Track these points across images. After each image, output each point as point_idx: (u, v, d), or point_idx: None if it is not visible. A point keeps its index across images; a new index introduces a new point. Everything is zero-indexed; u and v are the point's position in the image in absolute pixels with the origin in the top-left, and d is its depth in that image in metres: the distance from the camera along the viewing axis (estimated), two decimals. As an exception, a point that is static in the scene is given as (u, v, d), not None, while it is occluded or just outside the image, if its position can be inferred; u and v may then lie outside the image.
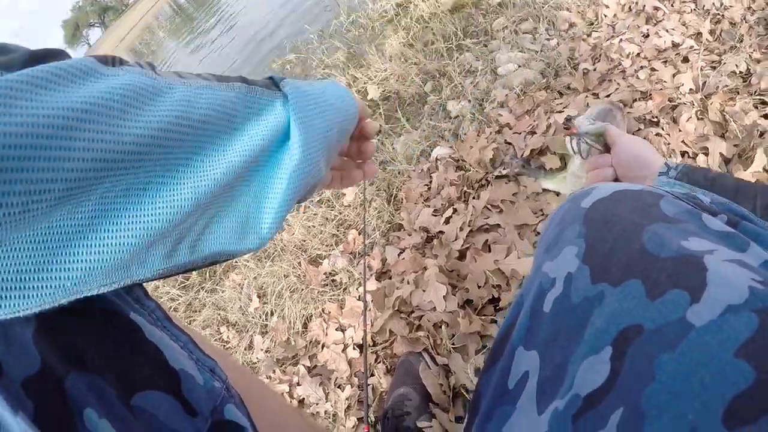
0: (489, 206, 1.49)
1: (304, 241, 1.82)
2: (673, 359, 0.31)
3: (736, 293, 0.31)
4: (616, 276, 0.38)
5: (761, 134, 1.39)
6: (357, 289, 1.56)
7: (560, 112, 1.62)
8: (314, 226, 1.83)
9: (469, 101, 1.90)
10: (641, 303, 0.35)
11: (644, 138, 1.44)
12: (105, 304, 0.44)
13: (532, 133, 1.62)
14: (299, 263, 1.76)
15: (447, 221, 1.53)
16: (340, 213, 1.82)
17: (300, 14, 5.33)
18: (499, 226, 1.43)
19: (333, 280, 1.66)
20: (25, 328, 0.38)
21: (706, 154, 1.38)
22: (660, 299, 0.34)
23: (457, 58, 2.17)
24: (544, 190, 1.45)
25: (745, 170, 1.30)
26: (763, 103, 1.50)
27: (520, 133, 1.65)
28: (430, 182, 1.69)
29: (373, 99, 2.27)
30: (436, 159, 1.74)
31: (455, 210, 1.54)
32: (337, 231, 1.79)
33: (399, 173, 1.80)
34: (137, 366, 0.45)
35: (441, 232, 1.50)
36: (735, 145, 1.37)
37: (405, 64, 2.32)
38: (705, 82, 1.58)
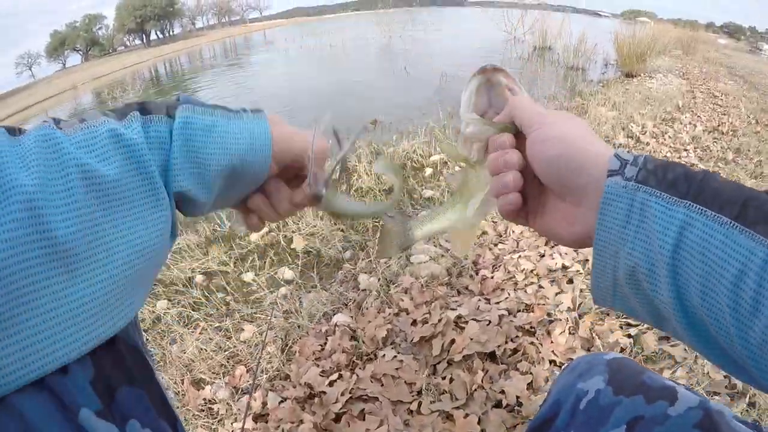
0: (372, 379, 1.78)
1: (193, 361, 1.97)
2: (662, 430, 0.67)
3: (692, 400, 0.68)
4: (629, 392, 0.74)
5: (621, 350, 1.81)
6: (231, 423, 1.72)
7: (453, 309, 2.01)
8: (206, 350, 2.00)
9: (379, 279, 2.28)
10: (642, 405, 0.71)
11: (518, 347, 1.84)
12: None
13: (425, 322, 1.98)
14: (182, 380, 1.90)
15: (331, 384, 1.77)
16: (235, 346, 2.02)
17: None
18: (377, 399, 1.70)
19: (210, 408, 1.80)
20: None
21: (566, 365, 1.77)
22: (653, 404, 0.70)
23: (379, 236, 2.60)
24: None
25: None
26: (628, 324, 1.96)
27: (414, 322, 2.01)
28: (325, 344, 1.97)
29: (295, 249, 2.64)
30: (336, 324, 2.05)
31: (341, 375, 1.81)
32: (227, 362, 1.97)
33: (299, 327, 2.07)
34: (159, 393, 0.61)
35: (323, 392, 1.74)
36: (597, 361, 1.77)
37: (333, 228, 2.75)
38: (581, 303, 2.04)
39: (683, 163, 0.57)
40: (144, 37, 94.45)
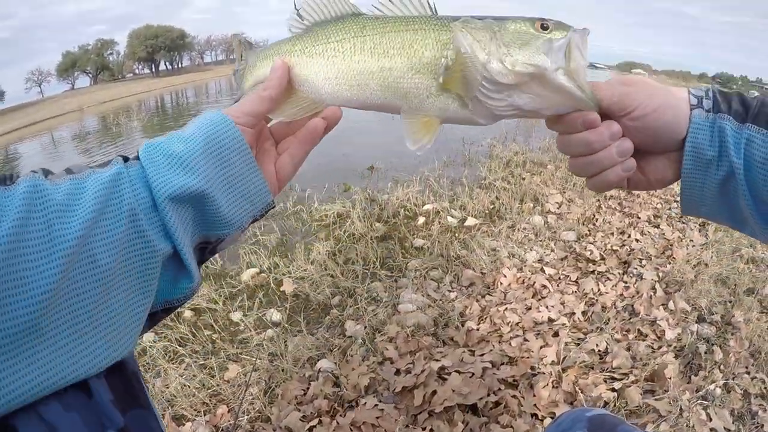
0: (352, 427, 1.76)
1: (176, 396, 1.95)
2: None
3: None
4: None
5: (605, 404, 1.81)
6: (208, 463, 1.71)
7: (437, 360, 1.99)
8: (190, 387, 1.98)
9: (365, 327, 2.28)
10: None
11: (500, 399, 1.83)
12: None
13: (408, 372, 1.96)
14: (163, 415, 1.88)
15: (311, 429, 1.76)
16: (218, 385, 2.00)
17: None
18: (357, 447, 1.69)
19: (190, 446, 1.79)
20: None
21: (553, 418, 1.74)
22: None
23: (368, 284, 2.64)
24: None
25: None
26: (613, 378, 1.96)
27: (397, 372, 2.00)
28: (308, 389, 1.95)
29: (285, 292, 2.63)
30: (319, 370, 2.03)
31: (320, 422, 1.79)
32: (210, 400, 1.95)
33: (283, 370, 2.06)
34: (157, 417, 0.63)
35: (303, 438, 1.74)
36: (581, 414, 1.76)
37: (323, 273, 2.76)
38: (566, 356, 2.03)
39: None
40: (153, 66, 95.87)
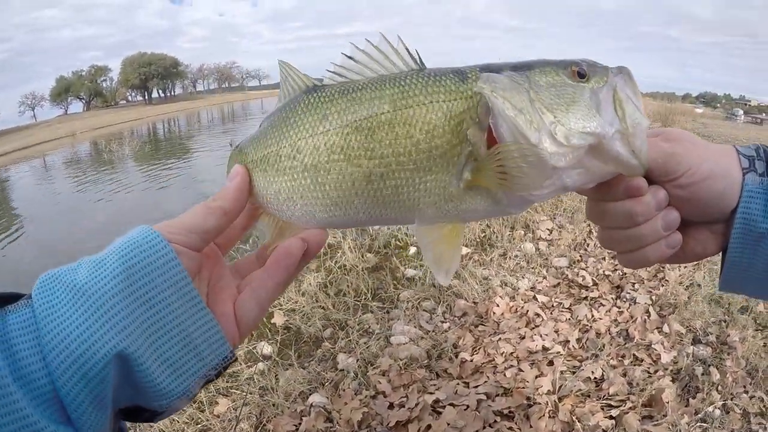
0: (346, 463, 1.72)
1: (164, 431, 1.91)
2: None
3: None
4: None
5: (603, 432, 1.78)
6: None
7: (431, 393, 1.96)
8: (178, 422, 1.94)
9: (357, 360, 2.24)
10: None
11: (497, 431, 1.80)
12: None
13: (401, 406, 1.93)
14: None
15: (304, 467, 1.73)
16: (207, 420, 1.95)
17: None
18: (350, 485, 1.65)
19: (177, 484, 1.75)
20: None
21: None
22: None
23: (360, 316, 2.61)
24: None
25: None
26: (610, 406, 1.93)
27: (391, 405, 1.96)
28: (299, 424, 1.91)
29: (276, 324, 2.60)
30: (311, 405, 1.99)
31: (314, 458, 1.76)
32: (199, 437, 1.91)
33: (274, 405, 2.01)
34: None
35: (295, 477, 1.70)
36: (578, 443, 1.74)
37: (314, 305, 2.73)
38: (562, 385, 2.01)
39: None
40: (146, 94, 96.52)
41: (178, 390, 0.46)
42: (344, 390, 2.06)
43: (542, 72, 0.50)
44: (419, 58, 0.52)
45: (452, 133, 0.48)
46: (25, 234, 8.62)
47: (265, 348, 2.43)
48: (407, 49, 0.52)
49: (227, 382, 2.20)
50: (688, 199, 0.53)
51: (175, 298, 0.45)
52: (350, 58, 0.53)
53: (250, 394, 2.09)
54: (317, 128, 0.51)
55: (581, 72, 0.49)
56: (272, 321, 2.64)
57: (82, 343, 0.40)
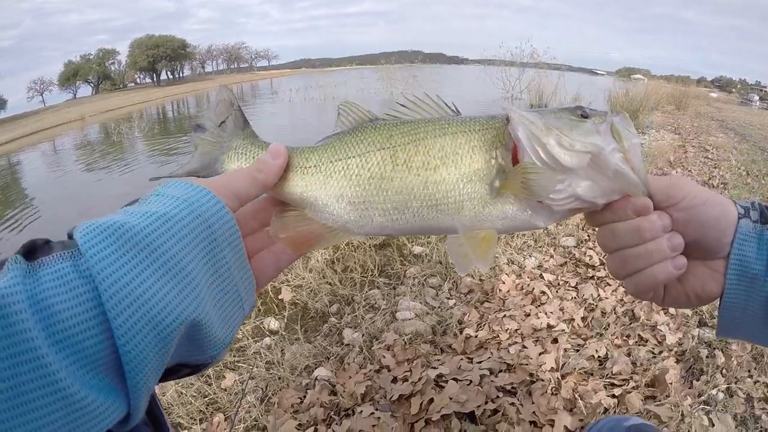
0: (349, 435, 1.75)
1: (172, 405, 1.94)
2: None
3: None
4: None
5: (605, 411, 1.79)
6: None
7: (434, 368, 1.98)
8: (186, 395, 1.98)
9: (363, 335, 2.27)
10: None
11: (498, 407, 1.82)
12: None
13: (405, 380, 1.96)
14: None
15: (307, 438, 1.76)
16: (215, 393, 1.99)
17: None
18: (353, 456, 1.68)
19: (187, 453, 1.78)
20: None
21: (552, 425, 1.74)
22: None
23: (367, 291, 2.63)
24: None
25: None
26: (612, 384, 1.95)
27: (395, 380, 1.99)
28: (304, 397, 1.94)
29: (283, 300, 2.63)
30: (316, 378, 2.02)
31: (317, 430, 1.78)
32: (206, 409, 1.95)
33: (279, 378, 2.05)
34: None
35: (299, 446, 1.73)
36: (580, 420, 1.75)
37: (321, 281, 2.76)
38: (565, 363, 2.02)
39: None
40: (155, 76, 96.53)
41: (227, 341, 0.49)
42: (349, 364, 2.09)
43: (552, 112, 0.62)
44: (455, 107, 0.67)
45: (486, 152, 0.62)
46: (41, 217, 8.64)
47: (272, 323, 2.46)
48: (445, 103, 0.67)
49: (234, 356, 2.23)
50: (688, 222, 0.58)
51: (231, 256, 0.48)
52: (404, 106, 0.67)
53: (257, 368, 2.12)
54: (385, 144, 0.63)
55: (584, 114, 0.61)
56: (279, 297, 2.67)
57: (156, 304, 0.40)
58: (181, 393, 2.00)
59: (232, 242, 0.48)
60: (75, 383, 0.37)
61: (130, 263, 0.40)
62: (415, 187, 0.62)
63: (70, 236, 0.43)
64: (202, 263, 0.45)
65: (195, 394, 2.00)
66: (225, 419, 1.90)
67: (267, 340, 2.33)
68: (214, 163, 0.68)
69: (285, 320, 2.49)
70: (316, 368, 2.09)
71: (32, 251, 0.40)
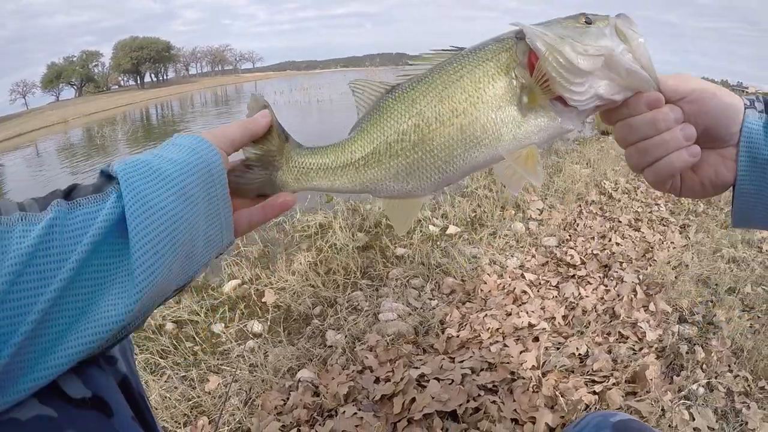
0: (332, 436, 1.76)
1: (156, 408, 1.94)
2: None
3: None
4: None
5: (586, 407, 1.83)
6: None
7: (417, 368, 2.00)
8: (170, 399, 1.98)
9: (346, 336, 2.29)
10: None
11: (480, 405, 1.84)
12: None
13: (387, 380, 1.97)
14: None
15: (290, 439, 1.77)
16: (199, 396, 2.00)
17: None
18: (336, 456, 1.70)
19: (171, 458, 1.78)
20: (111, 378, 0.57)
21: (533, 423, 1.76)
22: None
23: (349, 293, 2.65)
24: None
25: (564, 441, 1.69)
26: (593, 381, 1.98)
27: (377, 380, 2.00)
28: (287, 399, 1.95)
29: (266, 303, 2.64)
30: (299, 380, 2.03)
31: (299, 431, 1.80)
32: (190, 412, 1.95)
33: (263, 381, 2.06)
34: None
35: (282, 448, 1.74)
36: (561, 417, 1.78)
37: (304, 284, 2.77)
38: (546, 361, 2.05)
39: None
40: (138, 78, 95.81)
41: (206, 260, 0.63)
42: (332, 365, 2.10)
43: (558, 22, 0.65)
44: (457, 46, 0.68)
45: (506, 76, 0.64)
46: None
47: (256, 326, 2.47)
48: (446, 49, 0.68)
49: (218, 359, 2.23)
50: (699, 113, 0.63)
51: (220, 193, 0.62)
52: (411, 64, 0.69)
53: (240, 370, 2.12)
54: (412, 111, 0.66)
55: (588, 20, 0.64)
56: (263, 300, 2.68)
57: (172, 215, 0.55)
58: (166, 397, 2.00)
59: (221, 181, 0.62)
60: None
61: (155, 185, 0.55)
62: (453, 136, 0.65)
63: (103, 173, 0.57)
64: (202, 193, 0.59)
65: (179, 397, 2.00)
66: (209, 422, 1.90)
67: (250, 342, 2.33)
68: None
69: (268, 323, 2.50)
70: (299, 370, 2.10)
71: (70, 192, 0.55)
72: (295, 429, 1.79)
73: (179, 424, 1.90)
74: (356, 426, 1.77)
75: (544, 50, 0.61)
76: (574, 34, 0.62)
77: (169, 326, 2.51)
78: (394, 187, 0.69)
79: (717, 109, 0.62)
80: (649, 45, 0.62)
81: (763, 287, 3.01)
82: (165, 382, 2.10)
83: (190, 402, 1.99)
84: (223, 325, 2.50)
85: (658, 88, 0.63)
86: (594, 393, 1.91)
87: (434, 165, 0.67)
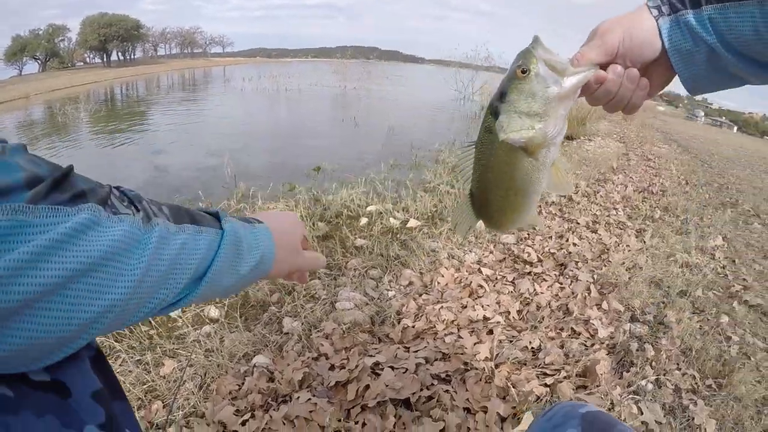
0: (285, 420, 1.77)
1: (110, 392, 1.93)
2: None
3: None
4: None
5: (537, 399, 1.88)
6: (142, 457, 1.68)
7: (371, 356, 2.03)
8: (125, 383, 1.96)
9: (302, 323, 2.29)
10: None
11: (433, 394, 1.88)
12: None
13: (342, 367, 1.99)
14: None
15: (244, 423, 1.77)
16: (153, 380, 1.98)
17: (203, 178, 6.28)
18: (289, 441, 1.70)
19: (123, 441, 1.77)
20: (84, 360, 0.56)
21: (485, 412, 1.81)
22: None
23: (307, 282, 2.65)
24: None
25: (512, 429, 1.73)
26: (545, 374, 2.03)
27: (332, 367, 2.02)
28: (242, 384, 1.96)
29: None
30: (255, 365, 2.04)
31: (254, 416, 1.80)
32: (145, 396, 1.93)
33: (218, 366, 2.05)
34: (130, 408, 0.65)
35: (236, 431, 1.74)
36: (513, 407, 1.83)
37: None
38: (499, 353, 2.10)
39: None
40: (105, 56, 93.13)
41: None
42: (287, 352, 2.11)
43: (512, 89, 0.74)
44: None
45: (509, 150, 0.78)
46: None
47: (213, 311, 2.45)
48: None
49: (173, 344, 2.22)
50: (631, 56, 0.75)
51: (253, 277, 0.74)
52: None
53: (196, 355, 2.11)
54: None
55: (523, 69, 0.72)
56: (219, 285, 2.66)
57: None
58: (120, 381, 1.97)
59: (255, 280, 0.75)
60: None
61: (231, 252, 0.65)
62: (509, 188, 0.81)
63: (212, 213, 0.70)
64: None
65: (134, 381, 1.99)
66: (164, 406, 1.89)
67: (207, 327, 2.32)
68: None
69: (225, 308, 2.49)
70: (254, 356, 2.10)
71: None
72: (250, 414, 1.80)
73: (133, 407, 1.88)
74: (310, 411, 1.78)
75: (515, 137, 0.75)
76: (521, 104, 0.74)
77: (125, 309, 2.47)
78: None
79: (642, 44, 0.74)
80: (567, 61, 0.74)
81: (714, 292, 3.13)
82: (120, 365, 2.08)
83: (145, 386, 1.97)
84: (180, 309, 2.47)
85: (597, 66, 0.74)
86: (545, 385, 1.97)
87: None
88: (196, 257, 0.59)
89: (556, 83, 0.72)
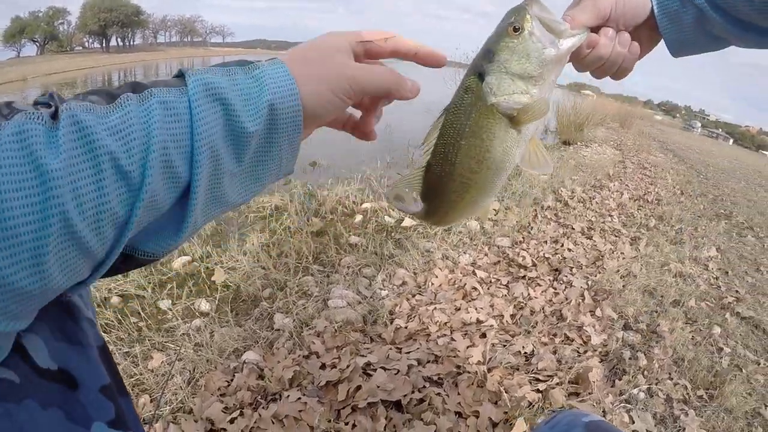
0: (274, 419, 1.75)
1: (97, 384, 1.90)
2: None
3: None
4: None
5: (529, 405, 1.86)
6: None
7: (363, 356, 2.01)
8: (112, 376, 1.94)
9: (294, 320, 2.27)
10: None
11: (424, 397, 1.86)
12: None
13: (333, 367, 1.97)
14: None
15: (232, 421, 1.74)
16: (141, 374, 1.95)
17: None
18: (277, 440, 1.68)
19: (108, 436, 1.74)
20: (93, 348, 0.53)
21: (477, 416, 1.79)
22: None
23: (300, 277, 2.63)
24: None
25: (504, 436, 1.73)
26: (537, 380, 2.02)
27: (323, 366, 2.00)
28: (232, 380, 1.93)
29: (216, 282, 2.60)
30: (245, 362, 2.01)
31: (242, 413, 1.77)
32: (132, 390, 1.90)
33: (208, 361, 2.02)
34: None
35: (224, 429, 1.71)
36: (504, 412, 1.82)
37: (255, 265, 2.73)
38: (492, 357, 2.08)
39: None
40: (104, 41, 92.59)
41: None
42: (278, 349, 2.09)
43: (503, 48, 0.66)
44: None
45: (492, 120, 0.69)
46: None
47: (203, 305, 2.42)
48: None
49: (163, 337, 2.19)
50: (622, 20, 0.74)
51: (286, 146, 0.53)
52: None
53: (185, 349, 2.08)
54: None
55: (515, 27, 0.65)
56: (212, 278, 2.64)
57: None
58: (109, 375, 1.95)
59: (292, 138, 0.53)
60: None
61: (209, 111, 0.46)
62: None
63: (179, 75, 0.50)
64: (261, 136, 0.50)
65: (121, 374, 1.95)
66: (151, 401, 1.86)
67: (197, 321, 2.29)
68: None
69: (216, 302, 2.46)
70: (245, 352, 2.07)
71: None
72: (238, 411, 1.77)
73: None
74: (300, 411, 1.76)
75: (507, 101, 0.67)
76: (515, 64, 0.66)
77: (115, 300, 2.44)
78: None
79: (636, 7, 0.73)
80: (564, 22, 0.69)
81: (707, 303, 3.14)
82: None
83: (132, 379, 1.94)
84: (170, 301, 2.45)
85: (589, 30, 0.72)
86: (538, 391, 1.95)
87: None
88: (140, 137, 0.42)
89: (552, 44, 0.66)
